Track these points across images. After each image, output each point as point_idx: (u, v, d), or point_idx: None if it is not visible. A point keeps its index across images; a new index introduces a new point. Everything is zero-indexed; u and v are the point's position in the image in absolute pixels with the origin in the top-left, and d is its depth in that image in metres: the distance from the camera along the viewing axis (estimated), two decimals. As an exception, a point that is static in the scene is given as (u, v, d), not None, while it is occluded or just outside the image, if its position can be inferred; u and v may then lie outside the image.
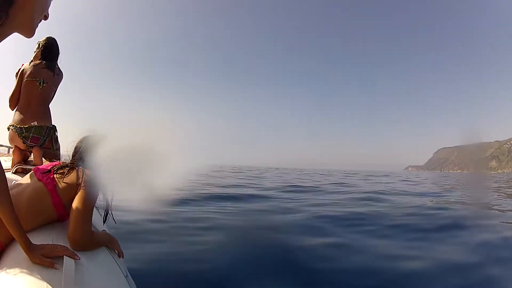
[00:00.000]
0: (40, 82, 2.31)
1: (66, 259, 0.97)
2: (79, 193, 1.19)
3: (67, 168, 1.29)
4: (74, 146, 1.37)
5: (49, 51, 2.41)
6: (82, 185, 1.21)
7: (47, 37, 2.45)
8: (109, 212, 1.39)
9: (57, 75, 2.42)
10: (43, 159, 2.38)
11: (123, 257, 1.33)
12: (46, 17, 0.86)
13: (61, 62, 2.51)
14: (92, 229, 1.20)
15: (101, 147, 1.22)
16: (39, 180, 1.24)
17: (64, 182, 1.24)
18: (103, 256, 1.19)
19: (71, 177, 1.25)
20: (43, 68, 2.35)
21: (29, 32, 0.82)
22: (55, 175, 1.26)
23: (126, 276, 1.21)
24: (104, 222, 1.46)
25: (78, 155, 1.33)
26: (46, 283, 0.86)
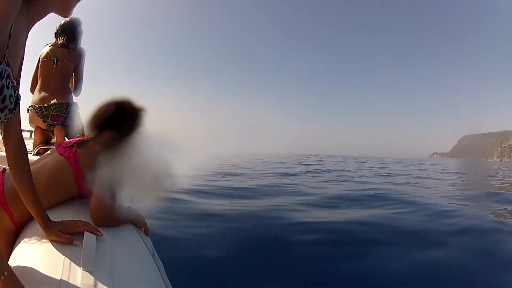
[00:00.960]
0: (54, 61, 2.28)
1: (86, 235, 0.91)
2: None
3: (91, 142, 1.21)
4: (98, 112, 1.21)
5: (65, 30, 2.36)
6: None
7: (69, 18, 2.39)
8: None
9: (73, 51, 2.35)
10: (66, 138, 2.31)
11: (148, 235, 1.26)
12: None
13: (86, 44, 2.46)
14: (117, 205, 1.13)
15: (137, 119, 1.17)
16: (61, 154, 1.17)
17: (87, 156, 1.16)
18: (128, 233, 1.12)
19: (95, 151, 1.15)
20: (58, 47, 2.32)
21: (65, 11, 0.82)
22: (77, 149, 1.19)
23: (153, 255, 1.14)
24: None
25: (103, 122, 1.20)
26: (63, 259, 0.80)
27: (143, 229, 1.25)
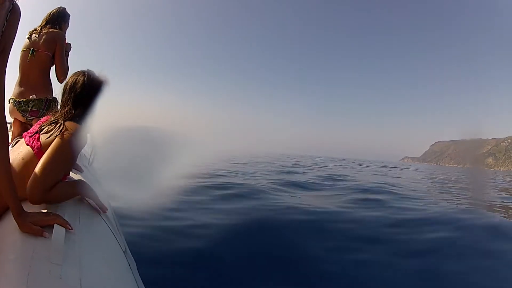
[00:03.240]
0: (30, 51, 2.20)
1: (56, 228, 0.91)
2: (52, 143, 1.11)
3: (58, 123, 1.19)
4: (73, 87, 1.28)
5: (49, 19, 2.31)
6: (58, 135, 1.12)
7: (56, 8, 2.38)
8: (92, 159, 1.31)
9: (47, 39, 2.23)
10: None
11: (105, 212, 1.23)
12: None
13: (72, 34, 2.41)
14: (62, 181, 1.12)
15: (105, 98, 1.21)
16: (27, 144, 1.17)
17: (48, 140, 1.14)
18: (100, 228, 1.13)
19: (56, 133, 1.15)
20: (35, 36, 2.24)
21: None
22: (41, 135, 1.18)
23: (124, 252, 1.15)
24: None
25: (68, 98, 1.26)
26: (33, 251, 0.80)
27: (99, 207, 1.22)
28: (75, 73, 1.32)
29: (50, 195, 1.06)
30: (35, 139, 1.17)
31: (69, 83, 1.29)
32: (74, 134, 1.13)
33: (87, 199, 1.21)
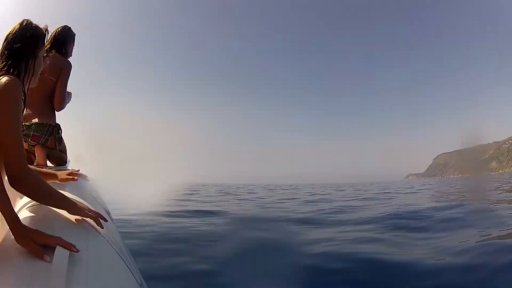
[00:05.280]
0: None
1: (58, 250, 0.80)
2: None
3: None
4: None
5: (54, 40, 2.23)
6: None
7: (60, 27, 2.30)
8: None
9: (53, 64, 2.15)
10: (47, 161, 2.25)
11: (102, 228, 1.11)
12: None
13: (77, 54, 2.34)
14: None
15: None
16: None
17: None
18: (112, 257, 1.01)
19: None
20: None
21: None
22: None
23: (140, 285, 1.04)
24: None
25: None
26: (31, 276, 0.70)
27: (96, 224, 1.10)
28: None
29: (33, 176, 0.98)
30: None
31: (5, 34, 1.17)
32: (8, 87, 1.00)
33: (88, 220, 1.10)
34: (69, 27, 2.33)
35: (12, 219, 0.84)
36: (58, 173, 1.57)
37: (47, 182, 1.09)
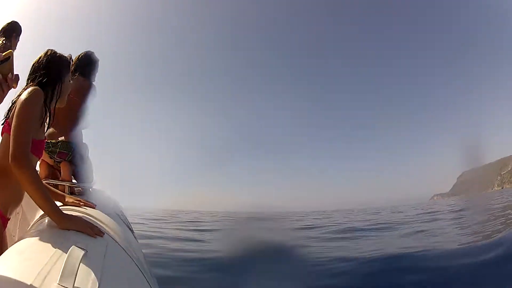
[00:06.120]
0: None
1: (73, 249, 0.83)
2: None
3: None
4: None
5: (80, 64, 2.39)
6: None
7: (85, 51, 2.46)
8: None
9: (76, 86, 2.24)
10: (72, 177, 2.31)
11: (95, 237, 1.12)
12: None
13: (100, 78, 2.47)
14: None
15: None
16: (3, 133, 1.27)
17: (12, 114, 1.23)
18: (130, 269, 1.03)
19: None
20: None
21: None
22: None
23: None
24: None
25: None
26: (41, 268, 0.73)
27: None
28: None
29: (31, 169, 1.09)
30: (6, 124, 1.26)
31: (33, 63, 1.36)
32: (29, 93, 1.19)
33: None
34: (92, 52, 2.49)
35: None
36: (67, 197, 1.62)
37: (53, 199, 1.15)
